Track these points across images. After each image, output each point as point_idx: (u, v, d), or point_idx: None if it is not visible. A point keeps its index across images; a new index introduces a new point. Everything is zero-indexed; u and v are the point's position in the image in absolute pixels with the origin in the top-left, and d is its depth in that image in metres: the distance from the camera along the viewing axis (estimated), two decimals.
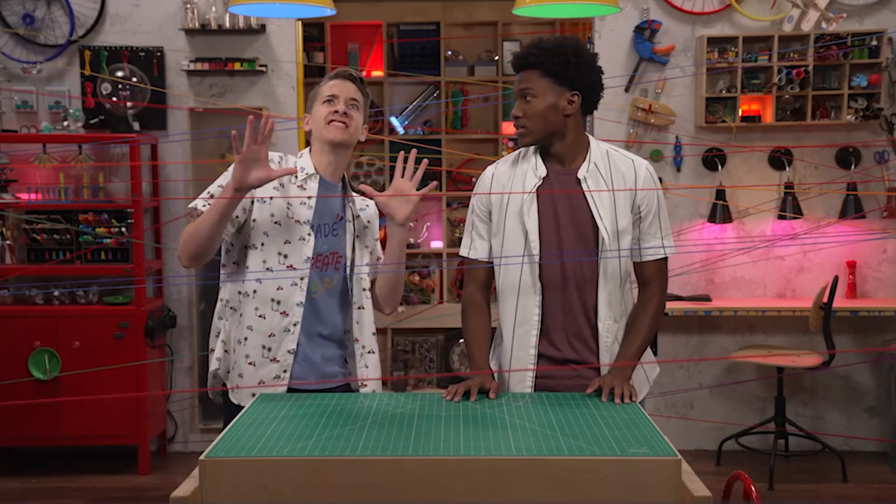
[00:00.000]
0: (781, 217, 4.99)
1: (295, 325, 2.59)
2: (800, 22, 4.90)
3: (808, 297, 4.87)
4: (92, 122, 4.98)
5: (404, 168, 2.67)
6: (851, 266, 5.05)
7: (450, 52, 6.18)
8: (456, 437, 2.01)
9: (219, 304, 2.68)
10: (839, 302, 4.78)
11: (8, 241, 4.82)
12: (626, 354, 2.52)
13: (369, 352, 2.72)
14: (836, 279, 4.58)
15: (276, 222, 2.59)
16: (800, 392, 5.17)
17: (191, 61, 4.99)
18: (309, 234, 2.60)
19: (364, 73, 5.99)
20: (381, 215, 2.78)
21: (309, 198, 2.61)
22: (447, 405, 2.30)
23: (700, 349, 5.17)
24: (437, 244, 6.11)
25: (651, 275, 2.60)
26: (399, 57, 6.19)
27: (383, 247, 2.80)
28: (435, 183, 2.93)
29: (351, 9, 5.81)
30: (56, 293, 4.85)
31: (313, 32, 6.06)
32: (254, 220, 2.59)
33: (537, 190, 2.55)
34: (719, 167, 5.05)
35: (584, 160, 2.57)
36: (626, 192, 2.54)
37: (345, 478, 1.86)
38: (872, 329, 5.12)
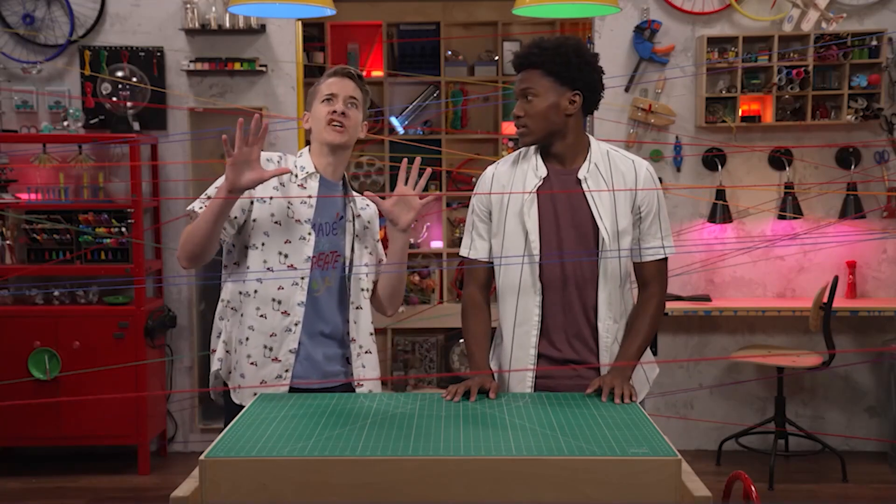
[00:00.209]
0: (781, 217, 4.99)
1: (296, 324, 2.59)
2: (800, 22, 4.90)
3: (808, 297, 4.87)
4: (92, 122, 4.98)
5: (407, 175, 2.66)
6: (851, 266, 5.05)
7: (450, 52, 6.18)
8: (456, 437, 2.01)
9: (220, 305, 2.69)
10: (839, 302, 4.78)
11: (8, 241, 4.82)
12: (626, 354, 2.52)
13: (366, 352, 2.72)
14: (836, 279, 4.58)
15: (276, 222, 2.59)
16: (800, 392, 5.17)
17: (191, 61, 4.99)
18: (310, 234, 2.60)
19: (364, 73, 5.99)
20: (381, 216, 2.78)
21: (309, 197, 2.62)
22: (447, 405, 2.30)
23: (700, 349, 5.17)
24: (437, 244, 6.11)
25: (651, 275, 2.60)
26: (399, 57, 6.19)
27: (385, 248, 2.80)
28: (438, 193, 2.93)
29: (351, 9, 5.81)
30: (56, 293, 4.85)
31: (313, 32, 6.06)
32: (254, 220, 2.59)
33: (538, 190, 2.55)
34: (719, 167, 5.05)
35: (584, 160, 2.57)
36: (626, 193, 2.54)
37: (345, 478, 1.86)
38: (872, 329, 5.12)
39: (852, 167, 5.00)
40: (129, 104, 4.89)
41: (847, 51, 4.82)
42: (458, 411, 2.24)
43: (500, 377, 2.61)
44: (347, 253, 2.68)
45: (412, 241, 5.97)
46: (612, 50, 5.03)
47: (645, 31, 5.00)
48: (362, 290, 2.73)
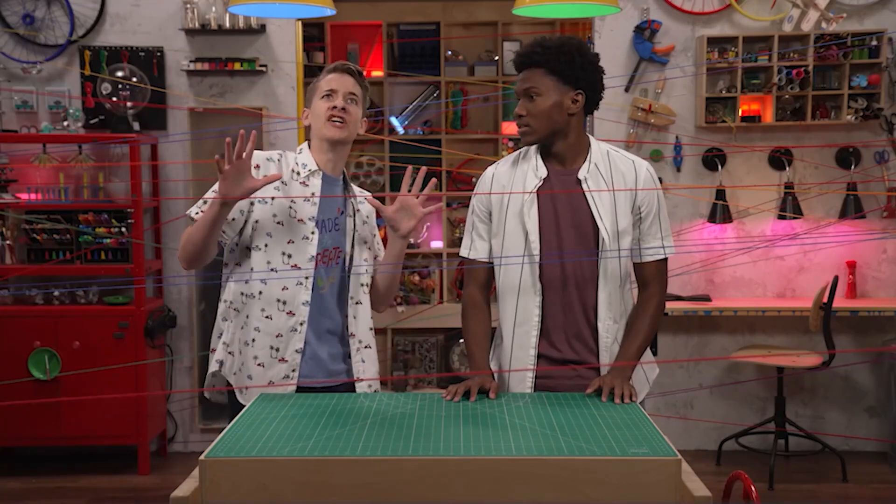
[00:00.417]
0: (781, 217, 4.99)
1: (301, 324, 2.60)
2: (800, 22, 4.90)
3: (808, 297, 4.87)
4: (92, 122, 4.98)
5: (411, 183, 2.66)
6: (851, 266, 5.05)
7: (450, 52, 6.18)
8: (456, 437, 2.01)
9: (222, 305, 2.68)
10: (839, 302, 4.78)
11: (8, 241, 4.82)
12: (626, 354, 2.52)
13: (366, 346, 2.73)
14: (836, 279, 4.58)
15: (278, 222, 2.59)
16: (800, 392, 5.17)
17: (191, 61, 4.99)
18: (313, 233, 2.60)
19: (364, 73, 5.98)
20: (379, 216, 2.78)
21: (312, 195, 2.62)
22: (447, 405, 2.30)
23: (700, 349, 5.17)
24: (437, 244, 6.11)
25: (651, 275, 2.60)
26: (399, 57, 6.19)
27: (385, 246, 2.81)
28: (438, 194, 2.93)
29: (351, 9, 5.81)
30: (56, 293, 4.85)
31: (313, 32, 6.05)
32: (255, 222, 2.60)
33: (538, 190, 2.55)
34: (719, 167, 5.05)
35: (584, 160, 2.56)
36: (626, 193, 2.54)
37: (345, 478, 1.86)
38: (872, 329, 5.12)
39: (852, 167, 5.00)
40: (129, 104, 4.89)
41: (847, 51, 4.82)
42: (458, 411, 2.24)
43: (500, 377, 2.61)
44: (347, 249, 2.68)
45: (412, 241, 5.98)
46: (612, 50, 5.03)
47: (645, 31, 5.00)
48: (362, 285, 2.73)
